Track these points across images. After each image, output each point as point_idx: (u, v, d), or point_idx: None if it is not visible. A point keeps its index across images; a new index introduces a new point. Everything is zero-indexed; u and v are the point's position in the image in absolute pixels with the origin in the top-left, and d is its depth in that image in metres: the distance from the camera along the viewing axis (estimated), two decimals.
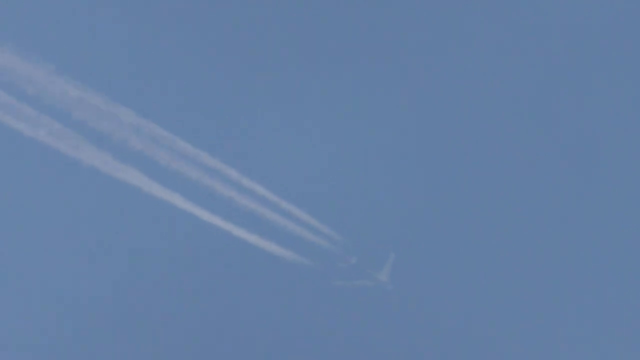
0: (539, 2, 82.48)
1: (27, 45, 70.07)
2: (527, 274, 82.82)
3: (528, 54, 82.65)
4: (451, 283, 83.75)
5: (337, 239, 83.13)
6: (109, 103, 72.52)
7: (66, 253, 78.74)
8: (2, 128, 70.06)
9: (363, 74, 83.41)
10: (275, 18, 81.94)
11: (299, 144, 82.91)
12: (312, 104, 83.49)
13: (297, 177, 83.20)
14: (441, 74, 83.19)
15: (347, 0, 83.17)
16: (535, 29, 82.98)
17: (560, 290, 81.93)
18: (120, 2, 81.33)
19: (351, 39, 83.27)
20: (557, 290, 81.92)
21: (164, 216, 77.18)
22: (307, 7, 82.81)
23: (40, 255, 78.40)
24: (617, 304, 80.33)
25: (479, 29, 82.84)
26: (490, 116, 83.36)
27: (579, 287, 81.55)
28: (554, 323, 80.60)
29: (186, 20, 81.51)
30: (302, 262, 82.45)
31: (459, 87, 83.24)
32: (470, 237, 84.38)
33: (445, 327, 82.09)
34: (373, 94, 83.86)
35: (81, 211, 79.30)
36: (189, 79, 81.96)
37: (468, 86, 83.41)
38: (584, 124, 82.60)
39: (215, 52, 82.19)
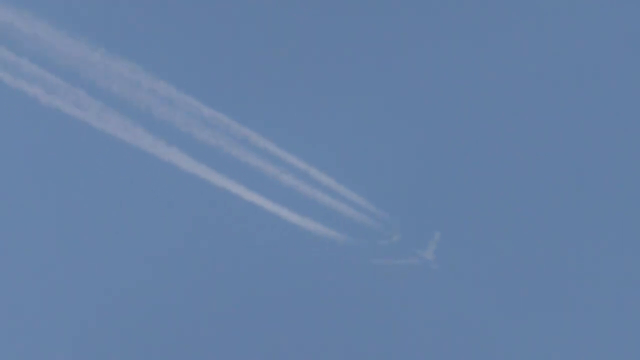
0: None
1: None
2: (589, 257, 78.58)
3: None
4: (501, 263, 79.38)
5: (378, 215, 79.03)
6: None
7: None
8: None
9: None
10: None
11: (338, 113, 79.65)
12: (353, 78, 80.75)
13: (335, 148, 79.40)
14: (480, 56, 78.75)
15: None
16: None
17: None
18: None
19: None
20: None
21: (186, 187, 73.22)
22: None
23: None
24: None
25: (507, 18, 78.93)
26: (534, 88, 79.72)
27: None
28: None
29: None
30: (339, 238, 77.87)
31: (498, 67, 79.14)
32: (521, 215, 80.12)
33: (493, 310, 78.07)
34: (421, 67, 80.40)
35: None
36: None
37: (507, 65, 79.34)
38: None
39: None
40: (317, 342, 76.02)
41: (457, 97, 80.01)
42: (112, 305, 71.75)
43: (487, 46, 78.80)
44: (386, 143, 79.36)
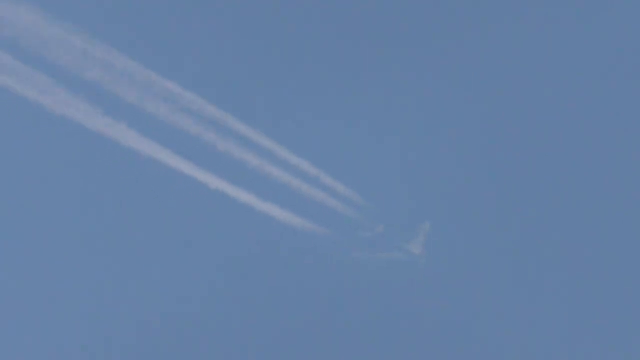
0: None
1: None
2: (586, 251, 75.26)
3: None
4: (497, 259, 75.23)
5: (359, 203, 74.49)
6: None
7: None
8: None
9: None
10: None
11: (315, 98, 75.84)
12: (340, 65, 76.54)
13: (312, 130, 75.05)
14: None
15: None
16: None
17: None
18: None
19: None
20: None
21: (165, 182, 70.37)
22: None
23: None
24: None
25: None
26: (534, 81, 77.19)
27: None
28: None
29: None
30: (316, 229, 73.40)
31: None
32: (519, 205, 76.18)
33: (485, 309, 73.73)
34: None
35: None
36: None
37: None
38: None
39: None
40: (292, 339, 72.10)
41: (451, 83, 77.10)
42: (100, 303, 70.76)
43: (476, 40, 76.49)
44: (369, 125, 76.60)
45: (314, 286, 73.99)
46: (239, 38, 74.55)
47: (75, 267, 71.14)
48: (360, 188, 73.91)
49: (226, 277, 72.35)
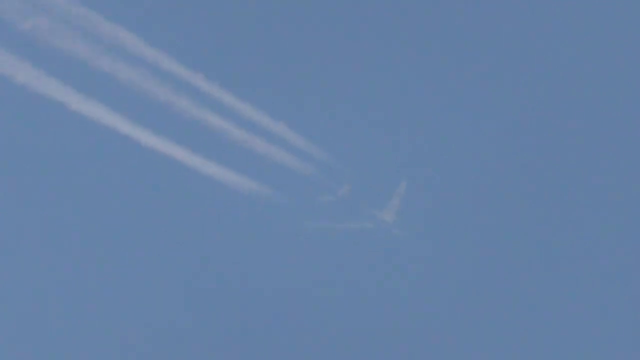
0: None
1: None
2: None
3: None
4: (476, 226, 69.96)
5: (320, 158, 65.21)
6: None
7: None
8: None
9: None
10: None
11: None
12: None
13: (258, 69, 68.20)
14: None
15: None
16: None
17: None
18: None
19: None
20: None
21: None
22: None
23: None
24: None
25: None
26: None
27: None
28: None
29: None
30: (263, 192, 64.41)
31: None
32: (502, 165, 71.23)
33: (465, 286, 68.76)
34: None
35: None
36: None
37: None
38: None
39: None
40: (234, 324, 65.70)
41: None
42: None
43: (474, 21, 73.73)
44: (333, 69, 69.72)
45: (260, 264, 65.91)
46: None
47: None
48: (320, 139, 65.77)
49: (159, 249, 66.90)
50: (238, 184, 63.58)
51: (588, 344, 70.25)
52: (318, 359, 66.30)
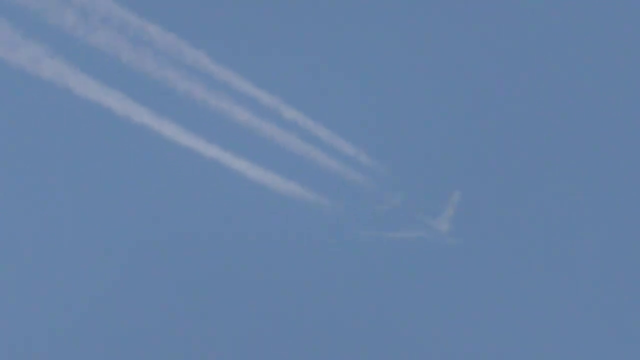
0: None
1: None
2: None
3: None
4: (533, 235, 69.39)
5: (374, 169, 65.95)
6: None
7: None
8: None
9: None
10: None
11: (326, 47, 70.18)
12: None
13: (318, 83, 68.15)
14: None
15: None
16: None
17: None
18: None
19: None
20: None
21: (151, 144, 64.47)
22: None
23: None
24: None
25: None
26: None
27: None
28: None
29: None
30: (320, 201, 65.11)
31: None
32: (561, 175, 70.54)
33: (520, 298, 67.95)
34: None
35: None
36: None
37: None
38: None
39: None
40: (287, 330, 65.86)
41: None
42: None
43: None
44: (386, 80, 69.62)
45: (314, 272, 66.29)
46: None
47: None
48: (374, 150, 66.46)
49: (217, 254, 66.78)
50: (296, 194, 64.43)
51: None
52: None
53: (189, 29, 64.55)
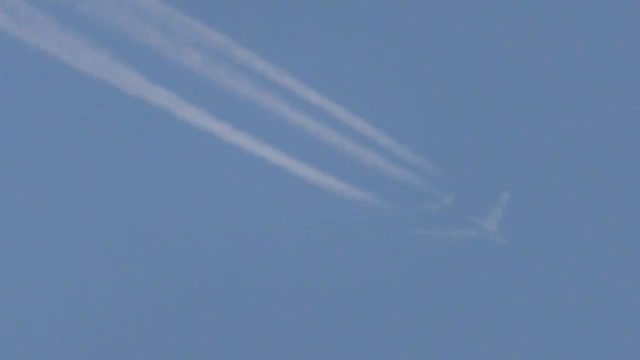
0: None
1: None
2: None
3: None
4: (582, 239, 68.48)
5: (425, 169, 66.11)
6: None
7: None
8: None
9: None
10: None
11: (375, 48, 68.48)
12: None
13: (369, 85, 66.96)
14: None
15: None
16: None
17: None
18: None
19: None
20: None
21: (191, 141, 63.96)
22: None
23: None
24: None
25: None
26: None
27: None
28: None
29: None
30: (371, 200, 65.15)
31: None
32: (611, 179, 69.53)
33: (571, 295, 67.65)
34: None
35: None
36: None
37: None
38: None
39: None
40: (345, 329, 66.12)
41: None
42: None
43: None
44: (437, 79, 68.42)
45: (367, 268, 66.03)
46: None
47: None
48: (425, 150, 66.43)
49: (261, 253, 66.30)
50: (348, 193, 64.33)
51: None
52: None
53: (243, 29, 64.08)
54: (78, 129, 65.61)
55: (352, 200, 64.68)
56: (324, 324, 65.73)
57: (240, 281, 66.19)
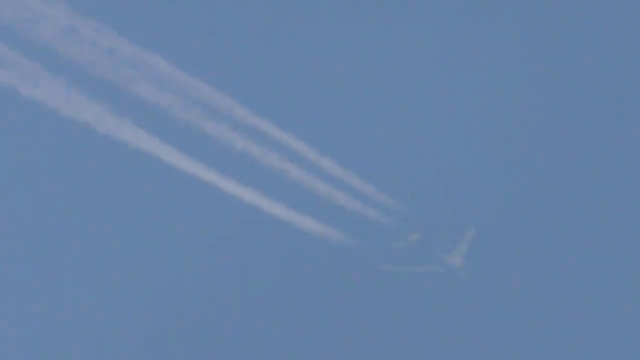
0: None
1: None
2: None
3: None
4: (547, 271, 69.36)
5: (392, 207, 67.34)
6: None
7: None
8: None
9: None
10: None
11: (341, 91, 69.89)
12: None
13: (337, 125, 68.35)
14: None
15: None
16: None
17: None
18: None
19: None
20: None
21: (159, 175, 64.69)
22: None
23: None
24: None
25: None
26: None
27: None
28: None
29: None
30: (340, 238, 66.42)
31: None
32: (578, 212, 70.11)
33: (536, 329, 68.33)
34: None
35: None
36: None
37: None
38: None
39: None
40: None
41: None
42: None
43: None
44: (400, 118, 69.42)
45: (336, 303, 67.12)
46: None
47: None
48: (391, 189, 67.48)
49: (235, 290, 67.30)
50: (317, 230, 65.48)
51: None
52: None
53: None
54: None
55: (321, 236, 65.78)
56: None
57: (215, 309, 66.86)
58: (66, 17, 56.87)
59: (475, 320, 67.76)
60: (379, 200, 66.50)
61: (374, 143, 68.22)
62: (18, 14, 55.33)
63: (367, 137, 68.16)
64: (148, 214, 66.93)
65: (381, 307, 67.05)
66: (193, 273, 66.47)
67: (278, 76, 68.40)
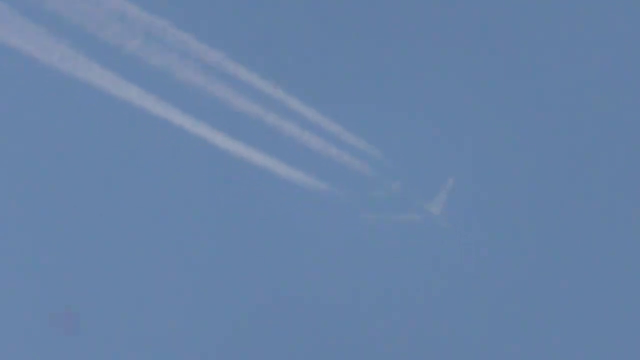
0: None
1: None
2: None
3: None
4: (525, 223, 69.33)
5: (372, 156, 67.14)
6: None
7: None
8: None
9: None
10: None
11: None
12: None
13: (315, 69, 68.18)
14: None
15: None
16: None
17: None
18: None
19: None
20: None
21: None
22: None
23: None
24: None
25: None
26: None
27: None
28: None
29: None
30: (320, 187, 66.15)
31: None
32: (555, 163, 70.28)
33: (513, 278, 68.55)
34: None
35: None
36: None
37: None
38: None
39: None
40: (287, 314, 67.02)
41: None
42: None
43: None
44: (384, 67, 69.03)
45: (315, 253, 67.12)
46: None
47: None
48: (373, 137, 67.16)
49: (214, 238, 67.29)
50: (296, 179, 65.38)
51: None
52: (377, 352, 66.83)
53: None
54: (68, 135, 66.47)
55: (301, 186, 65.65)
56: (277, 310, 66.78)
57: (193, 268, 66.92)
58: None
59: (454, 269, 68.14)
60: (361, 149, 66.39)
61: (354, 91, 68.04)
62: None
63: (347, 85, 67.95)
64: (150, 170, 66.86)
65: (360, 256, 67.25)
66: (178, 220, 66.52)
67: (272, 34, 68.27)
